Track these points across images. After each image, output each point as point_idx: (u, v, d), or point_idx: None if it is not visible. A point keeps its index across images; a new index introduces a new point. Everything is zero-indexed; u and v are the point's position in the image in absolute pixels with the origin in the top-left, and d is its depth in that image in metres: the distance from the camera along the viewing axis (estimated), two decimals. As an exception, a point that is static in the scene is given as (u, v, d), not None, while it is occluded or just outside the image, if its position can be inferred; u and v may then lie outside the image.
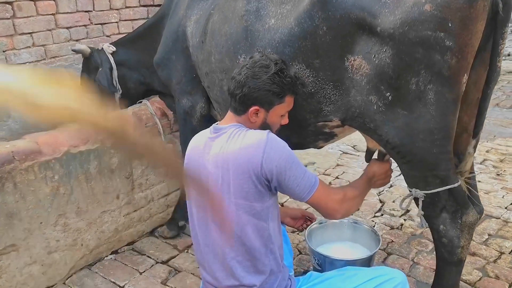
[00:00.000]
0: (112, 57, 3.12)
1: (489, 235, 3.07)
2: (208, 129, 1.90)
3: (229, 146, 1.74)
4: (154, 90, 3.26)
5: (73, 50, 3.21)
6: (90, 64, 3.17)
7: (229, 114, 1.89)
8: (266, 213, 1.76)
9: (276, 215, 1.84)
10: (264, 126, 1.84)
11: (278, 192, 1.82)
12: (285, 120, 1.92)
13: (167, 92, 3.04)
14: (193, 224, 1.91)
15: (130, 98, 3.21)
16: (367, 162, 2.24)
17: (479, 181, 3.61)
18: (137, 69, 3.19)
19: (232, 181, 1.71)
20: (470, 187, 2.09)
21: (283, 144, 1.74)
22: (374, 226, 3.21)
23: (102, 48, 3.13)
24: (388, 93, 1.81)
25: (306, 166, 4.28)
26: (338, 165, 4.34)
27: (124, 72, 3.17)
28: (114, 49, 3.14)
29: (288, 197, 3.61)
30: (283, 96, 1.81)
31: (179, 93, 2.75)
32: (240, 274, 1.80)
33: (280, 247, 1.91)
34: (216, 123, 1.92)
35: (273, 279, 1.84)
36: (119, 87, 3.14)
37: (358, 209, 3.43)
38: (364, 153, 2.40)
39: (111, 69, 3.12)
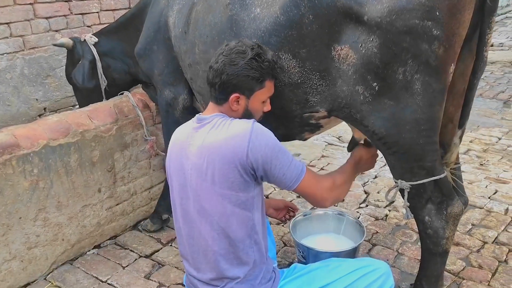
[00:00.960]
0: (95, 48, 3.04)
1: (472, 225, 3.09)
2: (191, 120, 1.86)
3: (214, 136, 1.71)
4: (140, 80, 3.19)
5: (54, 45, 3.11)
6: (74, 57, 3.08)
7: (211, 104, 1.86)
8: (251, 203, 1.74)
9: (260, 206, 1.82)
10: (246, 113, 1.81)
11: (264, 183, 1.79)
12: (267, 107, 1.89)
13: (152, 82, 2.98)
14: (176, 216, 1.88)
15: (117, 88, 3.14)
16: (348, 151, 2.22)
17: (463, 171, 3.64)
18: (121, 59, 3.12)
19: (217, 171, 1.68)
20: (455, 178, 2.09)
21: (269, 133, 1.72)
22: (359, 217, 3.22)
23: (85, 39, 3.04)
24: (375, 83, 1.78)
25: (291, 158, 4.25)
26: (323, 156, 4.32)
27: (108, 63, 3.10)
28: (97, 39, 3.05)
29: (273, 189, 3.61)
30: (263, 80, 1.78)
31: (161, 85, 2.69)
32: (223, 266, 1.78)
33: (265, 238, 1.89)
34: (199, 113, 1.88)
35: (257, 270, 1.82)
36: (105, 78, 3.06)
37: (343, 200, 3.43)
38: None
39: (93, 60, 3.03)
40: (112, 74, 3.13)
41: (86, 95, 3.17)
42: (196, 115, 1.86)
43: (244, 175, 1.68)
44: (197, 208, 1.76)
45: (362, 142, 2.17)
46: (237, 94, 1.76)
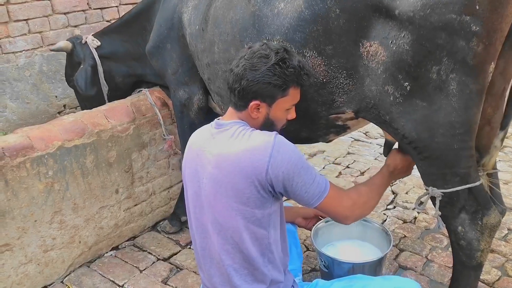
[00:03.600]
0: (96, 52, 2.94)
1: (508, 229, 2.91)
2: (210, 124, 1.75)
3: (232, 146, 1.60)
4: (145, 82, 3.07)
5: (52, 50, 3.03)
6: (73, 60, 3.00)
7: (230, 109, 1.74)
8: (267, 220, 1.63)
9: (278, 223, 1.70)
10: (267, 122, 1.69)
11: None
12: (292, 115, 1.75)
13: (161, 83, 2.88)
14: (190, 224, 1.79)
15: (119, 92, 3.04)
16: (385, 156, 2.08)
17: (499, 171, 3.44)
18: (124, 61, 3.01)
19: (232, 185, 1.57)
20: (492, 186, 1.93)
21: (291, 148, 1.59)
22: (385, 220, 3.07)
23: (86, 41, 2.94)
24: (406, 83, 1.65)
25: (315, 154, 4.13)
26: (349, 153, 4.17)
27: (110, 67, 2.99)
28: (99, 43, 2.95)
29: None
30: (286, 88, 1.64)
31: (175, 85, 2.58)
32: (237, 282, 1.68)
33: (284, 254, 1.77)
34: (218, 118, 1.77)
35: None
36: (106, 83, 2.98)
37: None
38: (376, 140, 2.22)
39: (94, 65, 2.94)
40: (114, 79, 3.03)
41: (87, 99, 3.09)
42: (215, 119, 1.74)
43: (261, 191, 1.57)
44: (211, 219, 1.66)
45: (396, 147, 2.02)
46: (257, 102, 1.63)
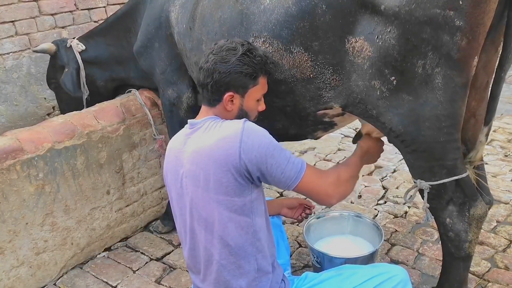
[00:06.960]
0: (79, 56, 2.93)
1: (497, 222, 2.94)
2: (185, 126, 1.79)
3: (205, 140, 1.63)
4: (128, 85, 3.05)
5: (34, 51, 3.02)
6: (56, 63, 2.99)
7: (203, 107, 1.78)
8: (249, 208, 1.64)
9: (262, 210, 1.71)
10: (241, 114, 1.73)
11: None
12: (262, 106, 1.81)
13: (145, 86, 2.89)
14: (178, 227, 1.81)
15: (100, 97, 3.02)
16: (354, 143, 2.12)
17: (486, 163, 3.47)
18: (108, 65, 3.00)
19: (210, 177, 1.60)
20: (478, 178, 1.96)
21: (262, 132, 1.62)
22: (377, 215, 3.10)
23: (71, 45, 2.93)
24: (393, 77, 1.67)
25: (306, 151, 4.14)
26: (339, 149, 4.19)
27: (93, 71, 2.98)
28: (84, 47, 2.94)
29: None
30: (256, 76, 1.71)
31: (164, 84, 2.58)
32: (226, 277, 1.69)
33: (271, 244, 1.78)
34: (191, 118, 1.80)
35: (265, 280, 1.72)
36: (87, 88, 2.98)
37: (360, 196, 3.30)
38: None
39: (78, 69, 2.94)
40: (96, 83, 3.02)
41: (66, 102, 3.08)
42: (189, 120, 1.77)
43: (239, 179, 1.58)
44: (196, 217, 1.68)
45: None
46: (231, 93, 1.68)
